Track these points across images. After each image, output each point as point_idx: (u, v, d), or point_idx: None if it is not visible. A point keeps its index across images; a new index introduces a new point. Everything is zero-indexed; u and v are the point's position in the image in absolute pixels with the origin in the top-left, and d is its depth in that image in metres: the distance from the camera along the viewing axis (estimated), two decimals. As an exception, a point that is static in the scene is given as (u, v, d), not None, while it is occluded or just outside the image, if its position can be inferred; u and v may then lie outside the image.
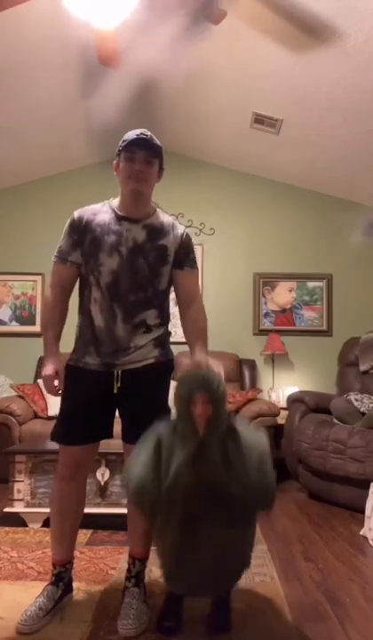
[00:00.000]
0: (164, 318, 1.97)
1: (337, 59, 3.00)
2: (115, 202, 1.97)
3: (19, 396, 4.00)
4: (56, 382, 1.90)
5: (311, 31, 2.74)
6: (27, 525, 2.76)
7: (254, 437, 1.59)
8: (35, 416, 3.92)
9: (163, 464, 1.50)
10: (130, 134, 1.87)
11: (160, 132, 4.68)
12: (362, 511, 2.75)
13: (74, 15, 2.29)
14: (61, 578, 1.90)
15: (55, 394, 1.93)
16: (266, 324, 4.77)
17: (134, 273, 1.88)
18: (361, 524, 2.74)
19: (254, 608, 1.87)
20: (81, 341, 1.92)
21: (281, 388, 4.54)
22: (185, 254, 1.97)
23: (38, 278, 4.82)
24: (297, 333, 4.74)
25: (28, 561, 2.29)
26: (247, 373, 4.47)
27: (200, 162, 4.88)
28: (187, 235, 2.00)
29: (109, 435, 1.93)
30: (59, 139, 4.29)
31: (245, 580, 2.08)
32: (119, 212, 1.93)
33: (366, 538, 2.64)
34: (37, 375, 4.47)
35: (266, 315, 4.78)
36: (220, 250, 4.82)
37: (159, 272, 1.92)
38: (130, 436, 1.79)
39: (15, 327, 4.79)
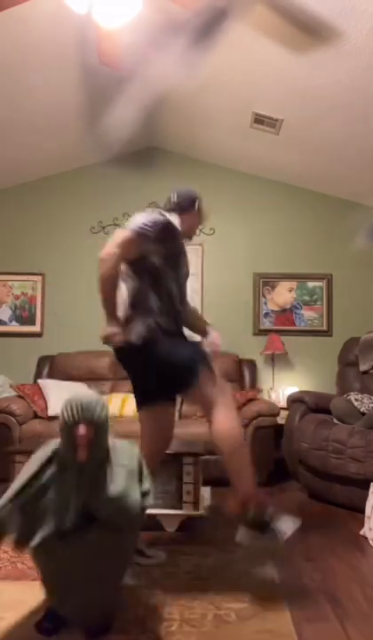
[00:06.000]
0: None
1: (337, 59, 3.00)
2: None
3: (19, 396, 3.99)
4: None
5: (311, 31, 2.74)
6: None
7: (126, 455, 1.72)
8: (35, 416, 3.92)
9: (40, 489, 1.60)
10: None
11: (161, 132, 4.67)
12: (362, 511, 2.74)
13: (75, 11, 2.28)
14: None
15: None
16: (266, 324, 4.77)
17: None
18: (361, 524, 2.74)
19: (254, 608, 1.87)
20: None
21: (281, 388, 4.55)
22: None
23: (38, 278, 4.82)
24: (297, 333, 4.74)
25: (28, 561, 2.28)
26: (247, 373, 4.47)
27: (200, 162, 4.88)
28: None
29: None
30: (59, 139, 4.29)
31: (245, 580, 2.09)
32: None
33: (366, 538, 2.63)
34: (37, 375, 4.48)
35: (266, 315, 4.78)
36: (220, 250, 4.82)
37: None
38: None
39: (15, 327, 4.79)
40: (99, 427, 1.62)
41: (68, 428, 1.61)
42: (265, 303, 4.79)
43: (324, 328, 4.74)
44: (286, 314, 4.78)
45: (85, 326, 4.75)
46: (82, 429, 1.58)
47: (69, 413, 1.62)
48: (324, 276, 4.78)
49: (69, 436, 1.61)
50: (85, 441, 1.58)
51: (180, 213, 2.38)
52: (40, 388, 4.12)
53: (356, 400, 3.57)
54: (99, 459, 1.65)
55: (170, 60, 2.80)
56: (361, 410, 3.48)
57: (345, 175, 4.42)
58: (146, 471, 1.75)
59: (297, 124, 3.84)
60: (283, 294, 4.79)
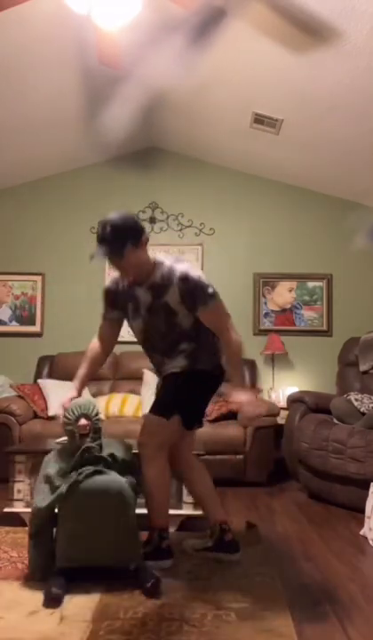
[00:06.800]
0: (200, 339, 2.23)
1: (337, 59, 3.00)
2: None
3: (19, 396, 4.00)
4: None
5: (311, 31, 2.74)
6: (27, 525, 2.75)
7: (119, 441, 2.33)
8: (35, 416, 3.92)
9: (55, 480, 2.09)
10: (97, 231, 2.12)
11: (161, 132, 4.69)
12: (362, 511, 2.75)
13: (75, 11, 2.28)
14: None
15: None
16: (266, 324, 4.77)
17: (156, 329, 2.23)
18: (361, 524, 2.74)
19: (254, 608, 1.87)
20: None
21: (281, 388, 4.55)
22: (191, 299, 2.14)
23: (38, 278, 4.82)
24: (297, 333, 4.74)
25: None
26: (247, 373, 4.46)
27: (200, 162, 4.88)
28: (183, 279, 2.12)
29: None
30: (59, 139, 4.29)
31: (245, 580, 2.09)
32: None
33: (366, 538, 2.64)
34: (37, 375, 4.48)
35: (266, 315, 4.78)
36: (220, 250, 4.82)
37: (174, 323, 2.19)
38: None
39: (15, 327, 4.79)
40: (93, 420, 2.15)
41: (72, 424, 2.13)
42: (265, 303, 4.79)
43: (324, 328, 4.74)
44: (286, 314, 4.78)
45: (85, 326, 4.74)
46: (82, 422, 2.13)
47: (71, 413, 2.14)
48: (324, 276, 4.78)
49: (72, 429, 2.13)
50: (86, 430, 2.13)
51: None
52: (40, 388, 4.12)
53: (356, 400, 3.57)
54: (97, 442, 2.15)
55: (168, 59, 2.80)
56: (361, 410, 3.48)
57: (345, 175, 4.42)
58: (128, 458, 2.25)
59: (297, 124, 3.83)
60: (283, 294, 4.79)
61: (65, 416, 2.15)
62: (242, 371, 2.34)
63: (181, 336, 2.22)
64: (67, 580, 1.97)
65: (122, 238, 2.06)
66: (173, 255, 2.32)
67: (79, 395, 2.36)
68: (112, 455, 2.18)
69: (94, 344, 2.44)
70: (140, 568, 2.03)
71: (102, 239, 2.07)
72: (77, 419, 2.13)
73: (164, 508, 2.28)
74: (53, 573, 2.00)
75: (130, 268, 2.15)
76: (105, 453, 2.18)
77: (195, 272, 2.17)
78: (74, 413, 2.14)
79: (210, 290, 2.15)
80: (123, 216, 2.12)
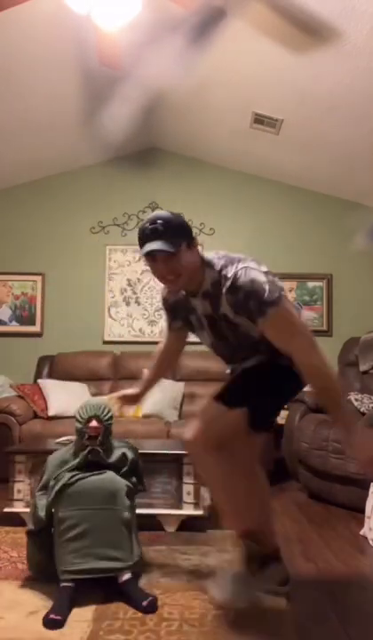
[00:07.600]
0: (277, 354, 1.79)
1: (337, 59, 3.00)
2: None
3: (19, 396, 4.00)
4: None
5: (311, 31, 2.74)
6: (26, 525, 2.75)
7: (126, 443, 2.33)
8: (35, 416, 3.92)
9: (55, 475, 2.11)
10: (142, 228, 1.76)
11: (161, 132, 4.68)
12: (362, 511, 2.74)
13: (75, 12, 2.28)
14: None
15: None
16: (266, 324, 4.76)
17: (224, 341, 1.90)
18: (361, 524, 2.74)
19: (254, 608, 1.87)
20: None
21: (281, 388, 4.54)
22: (245, 312, 1.73)
23: (38, 278, 4.82)
24: (297, 333, 4.73)
25: (28, 561, 2.28)
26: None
27: (200, 162, 4.88)
28: (230, 289, 1.73)
29: None
30: (59, 139, 4.29)
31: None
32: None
33: (366, 538, 2.63)
34: (37, 375, 4.48)
35: (266, 315, 4.78)
36: (220, 250, 4.82)
37: (240, 334, 1.83)
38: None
39: (15, 327, 4.79)
40: (105, 422, 2.16)
41: (83, 423, 2.14)
42: (265, 303, 4.79)
43: (324, 328, 4.74)
44: (286, 314, 4.78)
45: (85, 326, 4.76)
46: (93, 423, 2.13)
47: (83, 412, 2.16)
48: (324, 276, 4.78)
49: (82, 429, 2.13)
50: (96, 432, 2.12)
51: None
52: (40, 388, 4.12)
53: (356, 400, 3.57)
54: (105, 445, 2.16)
55: (168, 59, 2.80)
56: (361, 410, 3.48)
57: (345, 175, 4.42)
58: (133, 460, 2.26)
59: (297, 124, 3.84)
60: (283, 294, 4.79)
61: (78, 414, 2.17)
62: (342, 407, 1.78)
63: (256, 345, 1.84)
64: (70, 596, 1.87)
65: (175, 233, 1.74)
66: (222, 252, 1.89)
67: (140, 393, 2.31)
68: (123, 455, 2.20)
69: (160, 349, 2.24)
70: (133, 583, 1.95)
71: (153, 232, 1.72)
72: (89, 419, 2.13)
73: (247, 511, 1.89)
74: (55, 593, 1.89)
75: (182, 272, 1.76)
76: (116, 454, 2.19)
77: (247, 275, 1.71)
78: (86, 412, 2.15)
79: (268, 295, 1.68)
80: (173, 213, 1.81)
